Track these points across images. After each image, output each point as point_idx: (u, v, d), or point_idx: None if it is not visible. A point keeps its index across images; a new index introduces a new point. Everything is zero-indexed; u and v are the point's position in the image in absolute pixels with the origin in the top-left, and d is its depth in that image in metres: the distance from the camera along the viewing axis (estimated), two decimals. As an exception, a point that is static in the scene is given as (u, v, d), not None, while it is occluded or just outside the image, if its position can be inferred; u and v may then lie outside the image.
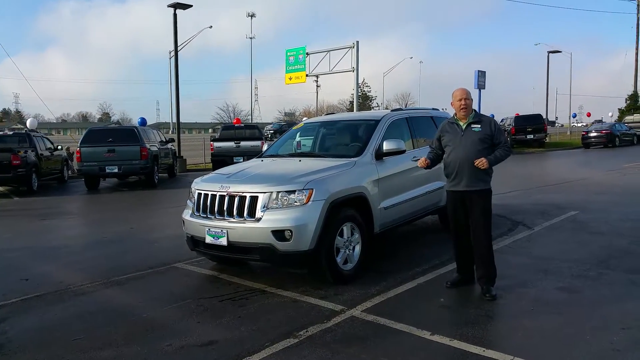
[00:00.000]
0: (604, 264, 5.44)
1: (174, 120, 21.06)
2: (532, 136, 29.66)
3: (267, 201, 4.72)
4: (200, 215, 5.15)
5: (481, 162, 4.46)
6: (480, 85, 39.73)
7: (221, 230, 4.88)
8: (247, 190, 4.85)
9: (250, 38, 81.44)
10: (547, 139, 33.21)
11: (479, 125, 4.66)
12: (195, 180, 5.55)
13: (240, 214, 4.82)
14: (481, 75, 40.08)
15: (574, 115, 58.45)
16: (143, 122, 19.28)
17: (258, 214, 4.73)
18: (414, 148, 6.39)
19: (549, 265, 5.46)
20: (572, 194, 10.88)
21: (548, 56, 40.80)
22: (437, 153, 4.96)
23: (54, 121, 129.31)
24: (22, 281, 5.48)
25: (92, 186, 14.82)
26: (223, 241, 4.87)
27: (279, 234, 4.64)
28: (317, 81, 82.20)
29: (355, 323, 4.04)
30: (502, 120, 36.37)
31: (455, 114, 4.79)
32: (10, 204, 12.30)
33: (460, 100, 4.66)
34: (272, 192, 4.74)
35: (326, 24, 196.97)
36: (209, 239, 4.99)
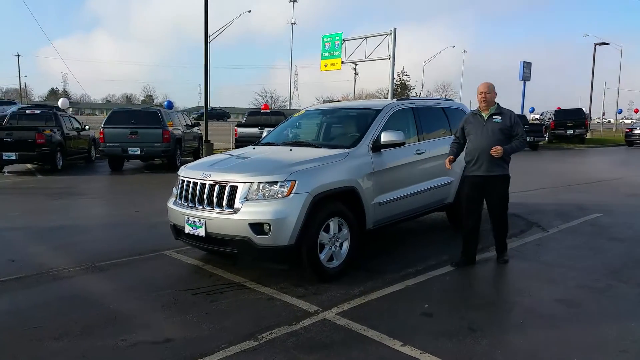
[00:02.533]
0: (616, 275, 4.96)
1: (210, 104, 21.10)
2: (572, 131, 28.37)
3: (247, 192, 4.47)
4: (182, 203, 4.96)
5: (497, 150, 4.97)
6: (526, 77, 38.46)
7: (199, 220, 4.67)
8: (227, 179, 4.61)
9: (292, 23, 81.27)
10: (589, 135, 31.78)
11: (500, 117, 5.15)
12: (182, 166, 5.36)
13: (219, 204, 4.60)
14: (527, 66, 38.73)
15: (620, 112, 55.69)
16: (169, 105, 19.38)
17: (237, 205, 4.49)
18: (419, 140, 6.00)
19: (553, 272, 5.03)
20: (600, 194, 10.20)
21: (595, 48, 38.84)
22: (460, 143, 5.45)
23: (100, 102, 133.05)
24: (8, 262, 5.44)
25: (115, 167, 14.97)
26: (201, 232, 4.67)
27: (256, 227, 4.39)
28: (355, 69, 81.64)
29: (324, 327, 3.76)
30: (541, 114, 35.03)
31: (479, 106, 5.29)
32: (31, 182, 12.51)
33: (481, 93, 5.20)
34: (252, 182, 4.49)
35: (368, 9, 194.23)
36: (188, 229, 4.80)
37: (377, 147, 5.27)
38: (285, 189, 4.44)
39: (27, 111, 16.15)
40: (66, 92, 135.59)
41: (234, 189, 4.53)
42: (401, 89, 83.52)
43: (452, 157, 5.37)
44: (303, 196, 4.44)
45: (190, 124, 17.48)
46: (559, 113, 29.28)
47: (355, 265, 5.13)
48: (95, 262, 5.43)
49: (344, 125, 6.09)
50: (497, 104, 5.28)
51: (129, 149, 14.31)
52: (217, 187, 4.63)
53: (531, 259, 5.49)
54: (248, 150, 5.69)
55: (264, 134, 6.52)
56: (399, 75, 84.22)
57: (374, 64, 25.67)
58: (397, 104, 5.94)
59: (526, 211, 8.02)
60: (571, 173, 14.72)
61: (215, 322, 3.86)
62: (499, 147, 4.97)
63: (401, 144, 5.31)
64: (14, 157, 13.49)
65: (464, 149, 5.41)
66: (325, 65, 30.65)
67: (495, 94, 5.26)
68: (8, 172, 14.11)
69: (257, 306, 4.18)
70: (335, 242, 4.79)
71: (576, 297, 4.38)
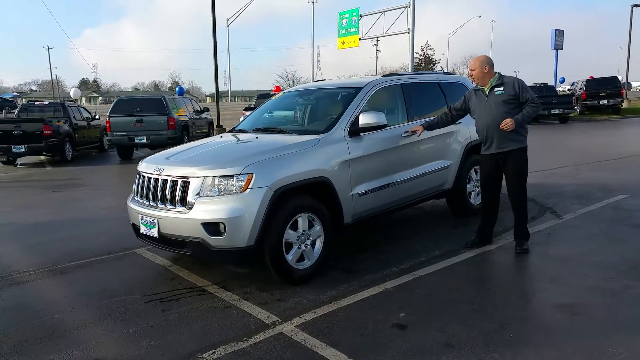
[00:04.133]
0: (635, 272, 4.27)
1: (232, 88, 20.88)
2: (605, 102, 26.72)
3: (200, 187, 3.97)
4: (137, 200, 4.51)
5: (506, 124, 4.54)
6: (558, 46, 36.61)
7: (152, 220, 4.21)
8: (179, 173, 4.11)
9: (312, 2, 79.83)
10: (625, 105, 29.99)
11: (502, 88, 4.70)
12: (142, 159, 4.89)
13: (172, 201, 4.12)
14: (559, 34, 36.84)
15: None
16: (181, 91, 19.07)
17: (189, 202, 4.00)
18: (409, 121, 5.35)
19: (561, 269, 4.37)
20: (629, 172, 9.29)
21: (632, 10, 36.45)
22: (452, 115, 5.13)
23: (129, 90, 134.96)
24: (-30, 265, 5.13)
25: (124, 156, 14.76)
26: (155, 232, 4.21)
27: (210, 227, 3.89)
28: (376, 45, 79.88)
29: (277, 344, 3.25)
30: (572, 84, 33.32)
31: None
32: (37, 174, 12.37)
33: (470, 73, 4.89)
34: (206, 176, 3.98)
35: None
36: (142, 229, 4.35)
37: (354, 131, 4.67)
38: (242, 183, 3.91)
39: (35, 103, 16.06)
40: (96, 82, 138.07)
41: (186, 185, 4.03)
42: (425, 64, 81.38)
43: (421, 126, 5.08)
44: (262, 191, 3.91)
45: (199, 109, 17.11)
46: (591, 82, 27.60)
47: (333, 265, 4.61)
48: (61, 263, 5.07)
49: (320, 108, 5.49)
50: (498, 73, 4.80)
51: (135, 137, 14.06)
52: (169, 182, 4.14)
53: (537, 253, 4.82)
54: (214, 139, 5.18)
55: (241, 119, 5.98)
56: (422, 49, 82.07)
57: (397, 39, 24.91)
58: (380, 80, 5.27)
59: (542, 194, 7.28)
60: (600, 147, 13.64)
61: (156, 338, 3.41)
62: (507, 120, 4.54)
63: (382, 127, 4.68)
64: (22, 150, 13.41)
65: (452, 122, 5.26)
66: (343, 43, 29.99)
67: (488, 66, 4.77)
68: (20, 165, 14.09)
69: (210, 317, 3.70)
70: (306, 240, 4.26)
71: (583, 301, 3.73)
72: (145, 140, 14.08)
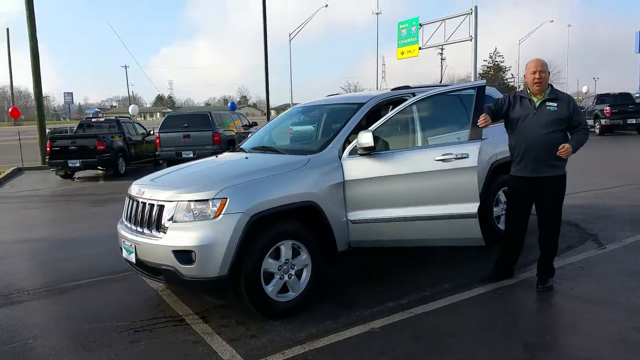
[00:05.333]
0: (674, 320, 3.57)
1: (294, 101, 21.24)
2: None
3: (174, 212, 3.74)
4: (123, 223, 4.37)
5: (565, 150, 3.90)
6: (643, 49, 33.94)
7: (130, 244, 4.04)
8: (155, 197, 3.92)
9: (377, 14, 79.59)
10: None
11: (555, 104, 4.05)
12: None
13: (149, 226, 3.93)
14: (644, 37, 34.21)
15: None
16: (233, 106, 19.38)
17: (164, 227, 3.79)
18: (420, 144, 4.65)
19: (584, 314, 3.75)
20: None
21: None
22: (494, 111, 4.22)
23: (202, 105, 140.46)
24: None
25: (174, 170, 15.08)
26: (132, 257, 4.04)
27: (181, 255, 3.65)
28: (441, 53, 78.21)
29: (229, 390, 2.94)
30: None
31: (529, 88, 4.16)
32: (88, 187, 12.86)
33: (535, 72, 4.05)
34: (180, 201, 3.75)
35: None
36: (124, 253, 4.20)
37: (354, 150, 4.27)
38: (215, 208, 3.65)
39: (92, 120, 16.84)
40: (171, 97, 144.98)
41: (161, 209, 3.83)
42: (494, 71, 78.56)
43: (488, 119, 4.07)
44: (235, 217, 3.62)
45: (249, 124, 17.26)
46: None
47: (327, 297, 4.24)
48: (62, 283, 5.05)
49: (320, 125, 5.14)
50: (551, 85, 4.17)
51: (182, 152, 14.35)
52: (147, 205, 3.96)
53: (561, 291, 4.19)
54: (207, 159, 4.95)
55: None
56: (491, 57, 79.34)
57: (464, 46, 24.12)
58: (385, 95, 4.85)
59: (589, 217, 6.50)
60: (677, 164, 12.25)
61: (108, 376, 3.19)
62: (566, 146, 3.90)
63: (370, 148, 4.12)
64: (77, 164, 14.03)
65: (510, 147, 4.33)
66: (402, 53, 29.42)
67: (549, 73, 4.29)
68: (77, 178, 14.75)
69: (174, 353, 3.44)
70: (290, 269, 3.92)
71: (602, 356, 3.12)
72: (192, 155, 14.28)
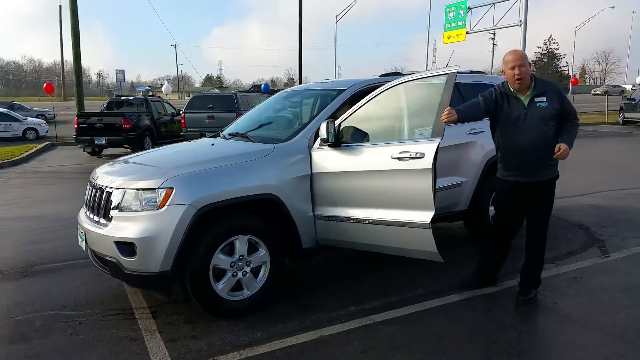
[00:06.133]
0: (665, 349, 3.08)
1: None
2: None
3: (121, 200, 3.53)
4: (83, 209, 4.21)
5: (562, 153, 3.40)
6: None
7: (82, 232, 3.88)
8: (106, 183, 3.72)
9: (428, -6, 77.49)
10: None
11: (545, 99, 3.55)
12: None
13: (98, 213, 3.74)
14: None
15: None
16: (266, 88, 19.17)
17: (110, 216, 3.59)
18: (407, 134, 4.29)
19: (561, 333, 3.30)
20: None
21: None
22: (481, 109, 3.69)
23: (250, 85, 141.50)
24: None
25: (198, 151, 15.10)
26: (84, 245, 3.88)
27: (123, 246, 3.43)
28: (493, 38, 75.36)
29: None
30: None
31: (512, 86, 3.62)
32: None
33: (513, 68, 3.52)
34: (126, 188, 3.54)
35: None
36: (79, 240, 4.04)
37: (324, 140, 3.91)
38: (161, 197, 3.41)
39: (122, 98, 17.04)
40: (220, 78, 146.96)
41: (109, 196, 3.62)
42: (548, 59, 75.07)
43: (454, 115, 3.43)
44: (180, 208, 3.37)
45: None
46: None
47: (291, 297, 3.97)
48: (37, 265, 4.99)
49: (299, 112, 4.79)
50: (534, 77, 3.63)
51: (206, 132, 14.24)
52: (97, 192, 3.78)
53: (544, 304, 3.74)
54: (175, 145, 4.73)
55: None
56: (545, 44, 75.76)
57: (519, 31, 23.16)
58: (369, 81, 4.44)
59: (602, 221, 5.91)
60: None
61: (34, 369, 3.04)
62: (562, 146, 3.40)
63: (325, 140, 3.77)
64: (103, 142, 14.24)
65: (496, 146, 3.88)
66: (449, 37, 28.75)
67: (530, 65, 3.65)
68: (105, 156, 14.99)
69: (108, 350, 3.26)
70: (245, 266, 3.66)
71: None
72: (215, 136, 14.25)
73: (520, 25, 23.37)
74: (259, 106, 5.37)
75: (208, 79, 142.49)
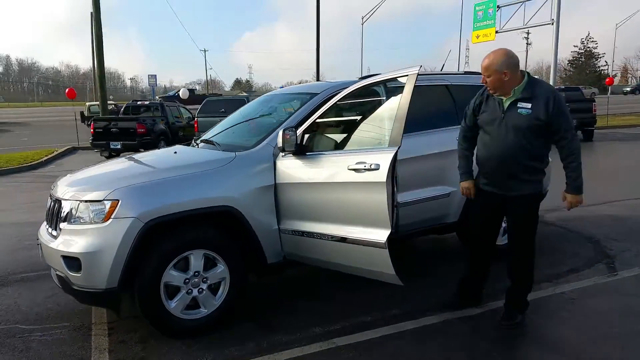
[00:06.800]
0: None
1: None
2: None
3: (70, 212, 3.35)
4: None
5: (571, 205, 3.19)
6: None
7: (38, 243, 3.73)
8: (60, 194, 3.55)
9: (461, -6, 76.29)
10: None
11: (529, 105, 3.08)
12: None
13: (51, 225, 3.59)
14: None
15: None
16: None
17: (60, 228, 3.42)
18: (369, 144, 3.88)
19: (540, 366, 2.95)
20: None
21: None
22: (471, 137, 3.49)
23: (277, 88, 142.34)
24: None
25: (211, 155, 15.10)
26: (41, 256, 3.73)
27: (70, 261, 3.25)
28: (527, 37, 73.47)
29: None
30: None
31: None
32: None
33: (484, 77, 3.19)
34: (76, 200, 3.36)
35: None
36: (39, 253, 3.90)
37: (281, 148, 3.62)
38: (106, 210, 3.22)
39: (138, 103, 17.18)
40: (249, 81, 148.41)
41: (60, 207, 3.46)
42: (585, 58, 72.64)
43: (472, 186, 3.48)
44: (126, 222, 3.17)
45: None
46: None
47: (255, 313, 3.73)
48: (17, 274, 4.90)
49: (270, 117, 4.53)
50: (527, 74, 3.20)
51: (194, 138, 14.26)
52: (53, 202, 3.62)
53: (529, 330, 3.38)
54: (144, 153, 4.54)
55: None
56: (582, 42, 73.39)
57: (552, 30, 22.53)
58: (345, 84, 4.11)
59: (615, 234, 5.45)
60: None
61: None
62: (569, 197, 3.18)
63: (282, 149, 3.52)
64: (119, 146, 14.33)
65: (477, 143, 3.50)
66: (477, 37, 28.27)
67: (510, 70, 3.12)
68: (122, 160, 15.10)
69: (48, 371, 3.09)
70: (201, 283, 3.44)
71: None
72: (227, 141, 14.18)
73: (552, 24, 22.65)
74: (239, 111, 5.16)
75: (237, 82, 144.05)
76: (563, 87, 20.42)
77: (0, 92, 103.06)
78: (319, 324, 3.54)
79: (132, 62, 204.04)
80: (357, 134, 3.69)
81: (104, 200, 3.22)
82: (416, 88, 4.33)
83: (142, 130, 14.23)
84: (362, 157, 3.24)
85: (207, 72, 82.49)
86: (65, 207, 3.38)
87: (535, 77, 3.34)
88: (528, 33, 68.16)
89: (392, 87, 3.94)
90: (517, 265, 3.40)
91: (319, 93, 4.06)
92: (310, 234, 3.51)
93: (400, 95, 3.20)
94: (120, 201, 3.20)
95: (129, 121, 14.38)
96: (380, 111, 3.66)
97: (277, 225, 3.67)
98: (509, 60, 3.16)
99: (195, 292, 3.42)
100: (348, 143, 3.66)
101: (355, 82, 4.26)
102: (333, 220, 3.38)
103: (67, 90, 19.68)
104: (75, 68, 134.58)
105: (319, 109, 3.91)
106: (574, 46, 73.56)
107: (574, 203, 3.15)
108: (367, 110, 3.78)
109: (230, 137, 4.43)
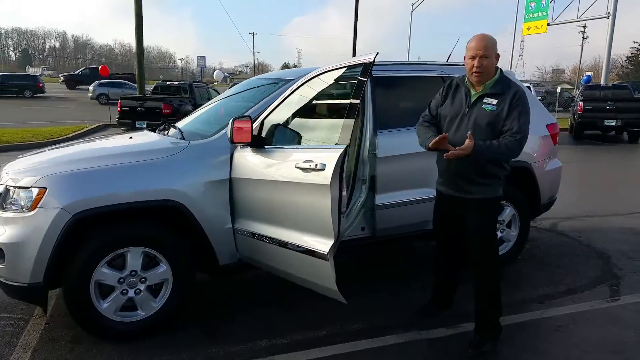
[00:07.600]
0: None
1: None
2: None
3: (5, 198, 3.09)
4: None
5: (458, 150, 2.66)
6: None
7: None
8: (1, 180, 3.31)
9: (516, -16, 73.27)
10: None
11: (495, 102, 2.80)
12: None
13: (-13, 210, 3.35)
14: None
15: None
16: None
17: (-7, 215, 3.17)
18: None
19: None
20: None
21: None
22: (432, 125, 3.05)
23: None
24: None
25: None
26: (-18, 243, 3.50)
27: (-4, 251, 3.02)
28: (583, 31, 69.69)
29: None
30: None
31: (468, 78, 2.93)
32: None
33: (474, 58, 2.81)
34: (8, 186, 3.10)
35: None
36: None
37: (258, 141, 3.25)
38: (32, 198, 2.94)
39: (167, 83, 17.15)
40: (296, 66, 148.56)
41: (-1, 193, 3.21)
42: (641, 57, 68.16)
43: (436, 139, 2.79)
44: (51, 212, 2.87)
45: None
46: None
47: (205, 318, 3.41)
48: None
49: (241, 103, 4.11)
50: (500, 70, 2.90)
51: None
52: (-4, 189, 3.38)
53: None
54: (104, 138, 4.23)
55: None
56: (644, 38, 68.86)
57: (616, 23, 21.38)
58: (321, 71, 3.68)
59: (629, 249, 4.82)
60: None
61: None
62: (467, 143, 2.64)
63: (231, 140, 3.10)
64: (144, 126, 14.32)
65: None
66: (528, 29, 27.80)
67: (498, 55, 2.85)
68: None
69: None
70: (138, 283, 3.12)
71: None
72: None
73: (608, 17, 21.38)
74: (218, 97, 4.82)
75: (285, 67, 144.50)
76: (611, 84, 18.86)
77: (55, 67, 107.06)
78: (267, 336, 3.18)
79: (184, 43, 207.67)
80: (315, 128, 3.28)
81: (31, 187, 2.94)
82: (410, 79, 3.91)
83: (168, 110, 14.17)
84: (310, 155, 2.82)
85: (255, 56, 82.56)
86: (3, 193, 3.12)
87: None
88: (585, 26, 64.47)
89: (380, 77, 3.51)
90: (478, 280, 2.99)
91: (293, 79, 3.64)
92: (261, 237, 3.13)
93: (354, 85, 2.75)
94: (47, 189, 2.91)
95: (156, 101, 14.34)
96: (338, 104, 3.23)
97: (232, 224, 3.31)
98: (496, 45, 2.80)
99: (131, 292, 3.11)
100: (304, 138, 3.24)
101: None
102: (281, 223, 3.00)
103: (100, 67, 19.90)
104: (128, 46, 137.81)
105: (289, 97, 3.52)
106: (634, 42, 69.15)
107: (460, 149, 2.64)
108: (330, 101, 3.35)
109: (199, 124, 4.07)
